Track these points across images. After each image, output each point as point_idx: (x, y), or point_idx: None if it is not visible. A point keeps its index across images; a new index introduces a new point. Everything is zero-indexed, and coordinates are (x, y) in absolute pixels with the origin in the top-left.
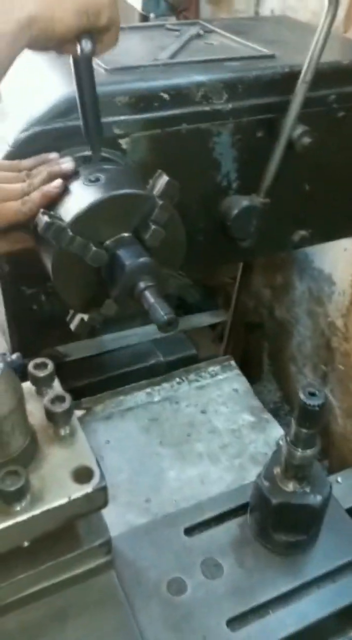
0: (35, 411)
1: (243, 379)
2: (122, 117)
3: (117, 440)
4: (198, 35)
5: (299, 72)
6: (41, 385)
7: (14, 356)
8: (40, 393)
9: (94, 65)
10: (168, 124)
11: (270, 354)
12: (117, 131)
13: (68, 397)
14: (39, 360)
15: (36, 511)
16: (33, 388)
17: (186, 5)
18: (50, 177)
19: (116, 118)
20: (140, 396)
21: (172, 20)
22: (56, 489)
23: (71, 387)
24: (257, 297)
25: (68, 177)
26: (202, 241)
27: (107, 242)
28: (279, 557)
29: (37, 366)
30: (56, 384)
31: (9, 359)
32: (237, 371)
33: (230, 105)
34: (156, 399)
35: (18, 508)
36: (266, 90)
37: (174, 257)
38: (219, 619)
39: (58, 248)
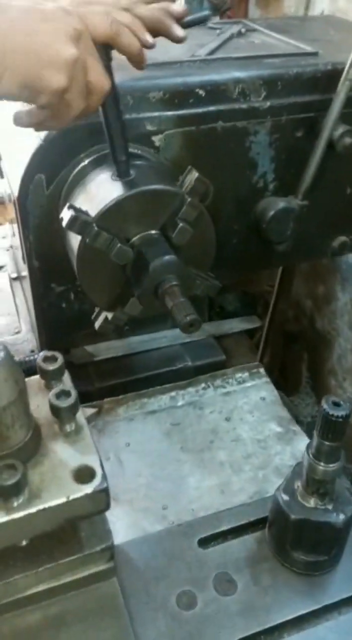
0: (42, 405)
1: (271, 387)
2: (155, 113)
3: (138, 443)
4: (239, 34)
5: (342, 70)
6: (50, 379)
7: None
8: (49, 387)
9: None
10: (203, 121)
11: (309, 366)
12: (150, 127)
13: (74, 392)
14: (49, 353)
15: (33, 509)
16: (42, 382)
17: (229, 5)
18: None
19: (149, 114)
20: (164, 399)
21: (216, 20)
22: (55, 488)
23: (98, 387)
24: (298, 307)
25: (178, 19)
26: (235, 244)
27: (133, 239)
28: (297, 577)
29: (47, 359)
30: (66, 378)
31: (36, 356)
32: (266, 379)
33: (268, 103)
34: (180, 403)
35: (15, 504)
36: (306, 88)
37: (203, 256)
38: (229, 639)
39: (83, 243)
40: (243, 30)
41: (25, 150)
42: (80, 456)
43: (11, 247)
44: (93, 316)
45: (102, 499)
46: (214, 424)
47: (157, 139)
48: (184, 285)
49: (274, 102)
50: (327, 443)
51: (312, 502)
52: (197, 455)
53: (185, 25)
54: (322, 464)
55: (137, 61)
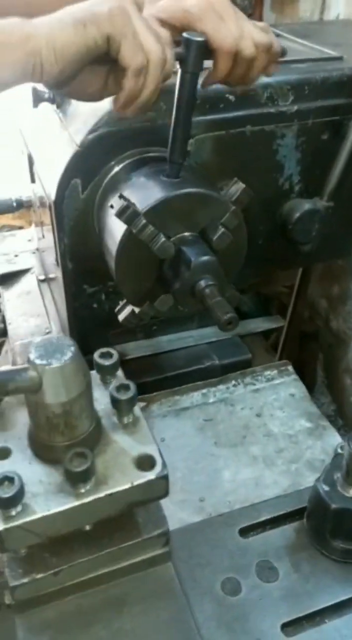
0: (100, 399)
1: (300, 384)
2: None
3: (172, 438)
4: None
5: None
6: (106, 373)
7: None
8: (104, 382)
9: None
10: (233, 125)
11: (324, 366)
12: None
13: (133, 385)
14: (104, 349)
15: (100, 494)
16: (98, 376)
17: (251, 10)
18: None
19: None
20: (195, 396)
21: None
22: (119, 475)
23: None
24: (313, 307)
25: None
26: (261, 244)
27: (174, 238)
28: (337, 564)
29: (103, 355)
30: (120, 373)
31: None
32: (294, 376)
33: (295, 107)
34: (211, 400)
35: (83, 490)
36: (332, 92)
37: (232, 264)
38: (274, 623)
39: (128, 233)
40: None
41: (62, 155)
42: (140, 446)
43: (37, 249)
44: (117, 309)
45: (162, 485)
46: (246, 419)
47: (188, 144)
48: (220, 285)
49: (301, 106)
50: None
51: (351, 492)
52: (231, 450)
53: None
54: None
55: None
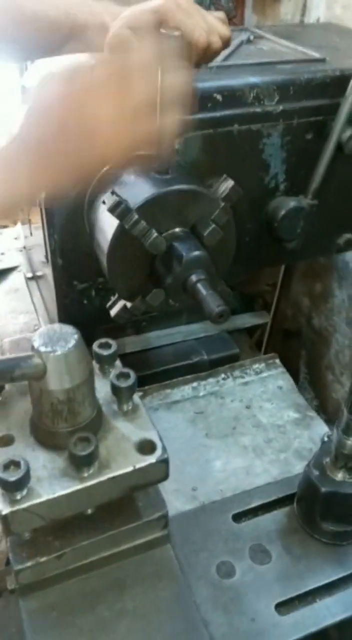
0: (100, 388)
1: (287, 376)
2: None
3: (164, 431)
4: (249, 41)
5: (349, 76)
6: (105, 363)
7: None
8: (103, 371)
9: None
10: (220, 124)
11: (307, 363)
12: None
13: (132, 374)
14: (102, 340)
15: (103, 477)
16: (97, 366)
17: (235, 13)
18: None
19: None
20: (186, 390)
21: None
22: (121, 459)
23: None
24: (296, 305)
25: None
26: (248, 242)
27: (166, 234)
28: (326, 546)
29: (102, 345)
30: (118, 363)
31: None
32: (282, 369)
33: (281, 107)
34: (202, 393)
35: (86, 474)
36: (316, 92)
37: (222, 261)
38: (268, 603)
39: (120, 229)
40: (251, 37)
41: None
42: (141, 431)
43: (24, 247)
44: (109, 304)
45: (163, 469)
46: (236, 411)
47: (176, 142)
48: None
49: (286, 106)
50: None
51: (340, 476)
52: (222, 441)
53: None
54: (351, 439)
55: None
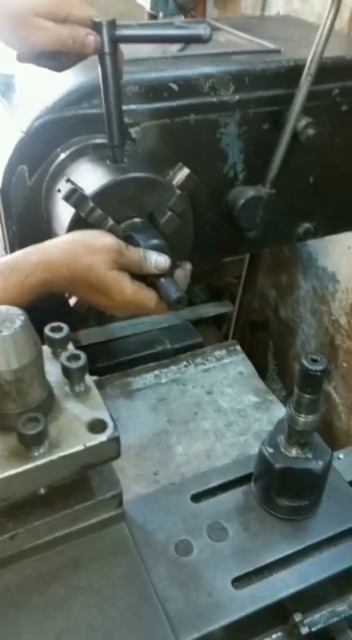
0: (52, 371)
1: (248, 362)
2: (132, 107)
3: (127, 418)
4: None
5: (303, 66)
6: (57, 347)
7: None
8: (56, 355)
9: None
10: (177, 113)
11: (274, 353)
12: (127, 120)
13: (83, 355)
14: (54, 324)
15: (54, 456)
16: (49, 350)
17: (193, 5)
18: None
19: (127, 107)
20: (148, 378)
21: (180, 19)
22: (72, 438)
23: None
24: (262, 297)
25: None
26: (209, 231)
27: (123, 225)
28: (282, 522)
29: (53, 329)
30: (71, 347)
31: None
32: (242, 355)
33: (237, 97)
34: (164, 380)
35: (36, 453)
36: (272, 82)
37: (181, 249)
38: (225, 578)
39: (76, 217)
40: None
41: (7, 142)
42: (92, 411)
43: None
44: (67, 294)
45: (114, 447)
46: (197, 397)
47: (134, 131)
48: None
49: (242, 95)
50: (306, 396)
51: (294, 452)
52: (183, 426)
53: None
54: (302, 415)
55: None
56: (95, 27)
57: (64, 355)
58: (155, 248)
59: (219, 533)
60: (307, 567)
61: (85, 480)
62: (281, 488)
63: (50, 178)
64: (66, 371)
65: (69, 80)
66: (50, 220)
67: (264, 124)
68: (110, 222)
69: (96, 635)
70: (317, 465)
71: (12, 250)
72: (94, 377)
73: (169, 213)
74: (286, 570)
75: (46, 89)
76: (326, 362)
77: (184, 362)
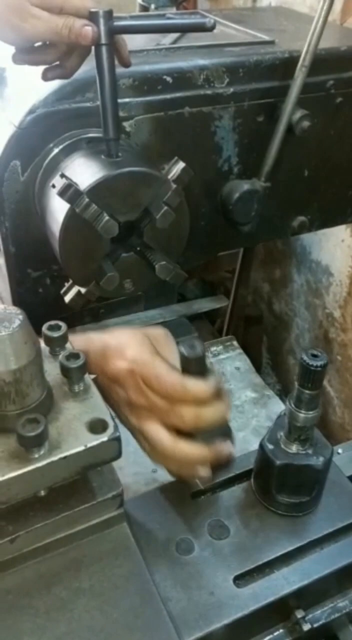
0: (50, 370)
1: (245, 357)
2: (126, 100)
3: None
4: None
5: (298, 58)
6: (55, 345)
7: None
8: (54, 354)
9: None
10: (171, 106)
11: (269, 348)
12: (121, 114)
13: (82, 354)
14: (52, 322)
15: (54, 458)
16: (47, 349)
17: None
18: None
19: (120, 100)
20: None
21: (172, 11)
22: (73, 439)
23: None
24: (256, 291)
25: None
26: (203, 226)
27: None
28: (283, 518)
29: (51, 328)
30: (69, 345)
31: None
32: (239, 350)
33: (231, 89)
34: None
35: (36, 455)
36: (266, 74)
37: (176, 243)
38: (226, 576)
39: (71, 212)
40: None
41: (1, 137)
42: (92, 411)
43: None
44: (63, 290)
45: (115, 447)
46: None
47: (127, 125)
48: None
49: (236, 88)
50: (307, 392)
51: (294, 448)
52: None
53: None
54: (302, 411)
55: None
56: (92, 17)
57: (62, 355)
58: None
59: (220, 531)
60: (308, 564)
61: (85, 480)
62: (282, 484)
63: (43, 173)
64: (65, 370)
65: None
66: (44, 216)
67: (259, 116)
68: (106, 217)
69: (99, 638)
70: (318, 461)
71: (6, 246)
72: (92, 376)
73: (165, 207)
74: (287, 567)
75: (39, 82)
76: (326, 357)
77: None
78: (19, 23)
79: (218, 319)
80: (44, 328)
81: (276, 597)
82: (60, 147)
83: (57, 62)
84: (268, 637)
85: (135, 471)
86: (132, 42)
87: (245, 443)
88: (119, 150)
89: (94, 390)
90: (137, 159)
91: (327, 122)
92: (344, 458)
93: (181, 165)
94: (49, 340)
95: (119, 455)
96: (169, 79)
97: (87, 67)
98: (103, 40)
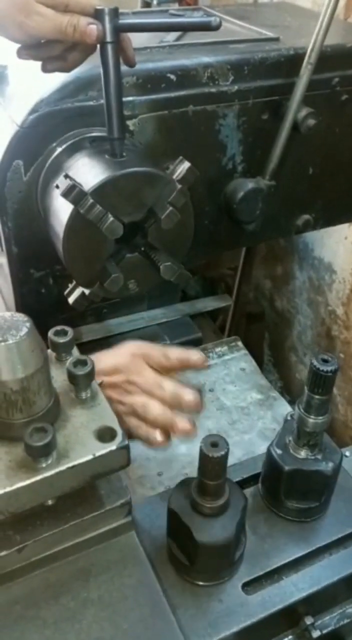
0: (56, 376)
1: (249, 358)
2: (129, 98)
3: None
4: None
5: (303, 55)
6: (61, 351)
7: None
8: (60, 359)
9: None
10: (175, 105)
11: (270, 345)
12: (125, 112)
13: (90, 360)
14: (58, 327)
15: (62, 467)
16: (53, 354)
17: None
18: None
19: (124, 99)
20: None
21: (175, 7)
22: (81, 447)
23: None
24: (258, 288)
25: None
26: (207, 225)
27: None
28: (291, 524)
29: (57, 333)
30: (75, 351)
31: None
32: (244, 351)
33: (236, 87)
34: None
35: (44, 464)
36: (271, 72)
37: (181, 244)
38: (235, 583)
39: (75, 213)
40: (204, 16)
41: (2, 136)
42: (100, 419)
43: None
44: (67, 291)
45: (124, 455)
46: None
47: (131, 123)
48: None
49: (241, 86)
50: (317, 397)
51: (303, 454)
52: None
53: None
54: (312, 416)
55: None
56: (97, 14)
57: (70, 361)
58: None
59: None
60: (317, 570)
61: (93, 488)
62: (290, 490)
63: (46, 173)
64: (72, 377)
65: None
66: (47, 216)
67: (264, 114)
68: (110, 218)
69: None
70: (327, 466)
71: (9, 247)
72: (99, 381)
73: (170, 208)
74: (296, 574)
75: (41, 81)
76: (337, 362)
77: None
78: (24, 20)
79: (220, 316)
80: (50, 333)
81: (285, 604)
82: (64, 146)
83: (59, 53)
84: None
85: (141, 474)
86: (135, 39)
87: (251, 445)
88: (123, 149)
89: (101, 397)
90: (142, 159)
91: (333, 120)
92: (351, 461)
93: (186, 165)
94: (55, 346)
95: (128, 463)
96: (173, 77)
97: (90, 65)
98: (108, 39)
